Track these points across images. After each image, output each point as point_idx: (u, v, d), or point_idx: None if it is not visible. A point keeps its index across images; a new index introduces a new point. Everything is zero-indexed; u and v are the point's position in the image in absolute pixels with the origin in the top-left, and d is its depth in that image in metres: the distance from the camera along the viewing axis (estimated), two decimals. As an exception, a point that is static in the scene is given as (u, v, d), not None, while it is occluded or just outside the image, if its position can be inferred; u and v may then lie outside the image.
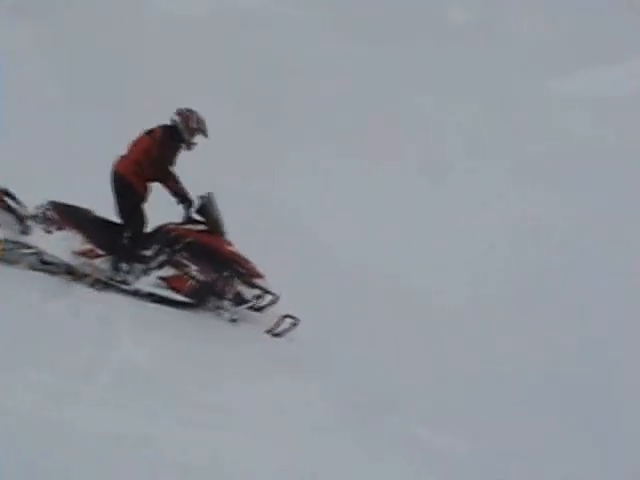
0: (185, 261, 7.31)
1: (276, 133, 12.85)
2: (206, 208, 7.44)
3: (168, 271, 7.29)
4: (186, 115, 7.41)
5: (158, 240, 7.37)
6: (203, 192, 7.51)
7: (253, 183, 10.79)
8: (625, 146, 13.08)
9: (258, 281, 7.46)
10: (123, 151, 7.51)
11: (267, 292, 7.54)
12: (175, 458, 4.41)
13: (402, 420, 6.20)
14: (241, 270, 7.41)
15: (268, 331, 7.41)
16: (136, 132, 7.63)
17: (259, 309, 7.70)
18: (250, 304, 7.59)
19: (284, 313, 7.45)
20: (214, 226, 7.45)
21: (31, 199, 7.31)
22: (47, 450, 4.12)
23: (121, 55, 13.15)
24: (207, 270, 7.32)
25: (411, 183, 12.40)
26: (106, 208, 7.41)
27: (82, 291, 6.95)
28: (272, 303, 7.65)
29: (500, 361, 8.19)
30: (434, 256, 10.84)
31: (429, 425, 6.22)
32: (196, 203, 7.43)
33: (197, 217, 7.50)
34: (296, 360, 7.00)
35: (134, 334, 6.15)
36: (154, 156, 7.30)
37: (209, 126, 7.55)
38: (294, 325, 7.43)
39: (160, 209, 7.46)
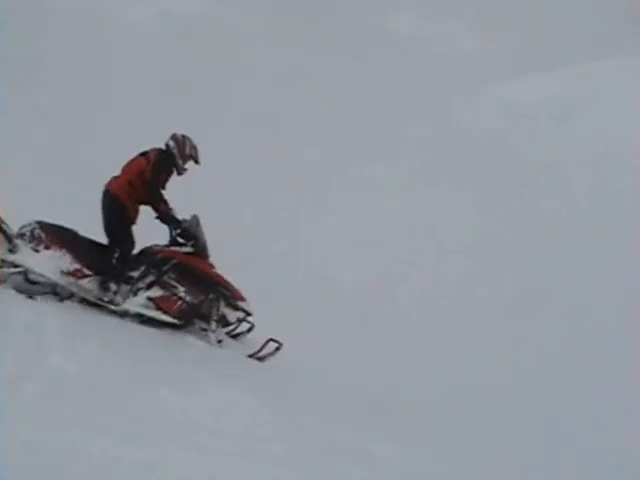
0: (173, 282, 7.44)
1: (240, 144, 12.98)
2: (191, 231, 7.58)
3: (156, 292, 7.41)
4: (181, 141, 7.58)
5: (144, 261, 7.49)
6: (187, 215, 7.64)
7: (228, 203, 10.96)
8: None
9: (241, 303, 7.66)
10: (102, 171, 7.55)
11: (249, 314, 7.75)
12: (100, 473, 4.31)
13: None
14: (226, 292, 7.59)
15: (251, 355, 7.59)
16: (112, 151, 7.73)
17: (235, 336, 7.93)
18: (232, 327, 7.81)
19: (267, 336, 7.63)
20: (199, 248, 7.61)
21: (12, 219, 7.27)
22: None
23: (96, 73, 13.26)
24: (194, 291, 7.47)
25: (369, 199, 12.69)
26: (87, 228, 7.47)
27: (10, 298, 6.79)
28: (249, 331, 7.94)
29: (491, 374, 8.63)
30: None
31: (387, 439, 6.29)
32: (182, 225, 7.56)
33: (181, 240, 7.63)
34: (240, 372, 7.04)
35: (64, 343, 5.98)
36: (147, 178, 7.41)
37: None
38: (277, 349, 7.64)
39: (141, 231, 7.60)
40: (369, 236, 12.00)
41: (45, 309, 6.73)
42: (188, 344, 7.34)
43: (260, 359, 7.59)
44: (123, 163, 7.60)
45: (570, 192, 12.98)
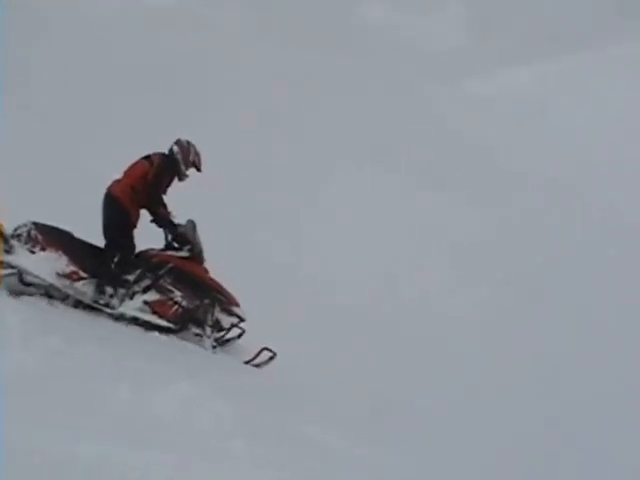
0: (169, 286, 7.41)
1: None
2: (187, 235, 7.54)
3: (152, 296, 7.37)
4: (186, 147, 7.49)
5: (140, 265, 7.43)
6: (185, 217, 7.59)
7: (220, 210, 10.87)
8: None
9: (235, 309, 7.63)
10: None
11: (242, 320, 7.71)
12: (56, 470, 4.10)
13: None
14: (221, 298, 7.57)
15: (247, 362, 7.56)
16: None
17: (224, 343, 7.84)
18: (224, 332, 7.75)
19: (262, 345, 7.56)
20: (195, 253, 7.56)
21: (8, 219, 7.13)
22: None
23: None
24: (190, 296, 7.46)
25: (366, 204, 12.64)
26: (83, 230, 7.40)
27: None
28: (239, 337, 7.88)
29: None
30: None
31: (387, 442, 6.32)
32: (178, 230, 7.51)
33: (176, 244, 7.59)
34: (200, 366, 6.93)
35: (24, 338, 5.82)
36: (149, 181, 7.33)
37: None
38: (271, 359, 7.59)
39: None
40: (369, 236, 11.99)
41: (5, 303, 6.60)
42: (154, 339, 7.23)
43: (256, 366, 7.56)
44: (119, 162, 7.53)
45: (569, 193, 13.01)
